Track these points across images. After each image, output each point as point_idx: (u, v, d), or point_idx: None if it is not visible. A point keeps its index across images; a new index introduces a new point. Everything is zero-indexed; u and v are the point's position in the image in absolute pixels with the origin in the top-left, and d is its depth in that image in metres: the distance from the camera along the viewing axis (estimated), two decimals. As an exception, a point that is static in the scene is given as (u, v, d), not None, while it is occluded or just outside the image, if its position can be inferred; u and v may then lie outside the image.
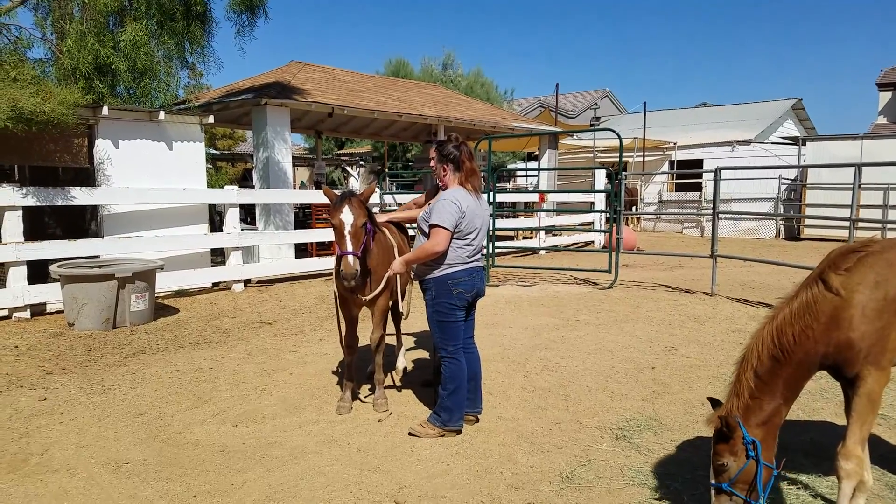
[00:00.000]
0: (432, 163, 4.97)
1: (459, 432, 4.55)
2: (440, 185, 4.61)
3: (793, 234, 21.39)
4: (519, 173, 25.60)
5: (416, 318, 6.80)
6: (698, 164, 24.01)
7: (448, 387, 4.48)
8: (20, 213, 8.23)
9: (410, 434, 4.53)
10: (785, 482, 3.70)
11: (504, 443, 4.43)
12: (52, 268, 7.95)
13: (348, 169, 24.57)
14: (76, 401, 5.30)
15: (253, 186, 13.36)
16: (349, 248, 4.45)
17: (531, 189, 20.91)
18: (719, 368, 6.13)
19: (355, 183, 23.89)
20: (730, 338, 7.36)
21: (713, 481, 3.10)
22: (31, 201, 8.27)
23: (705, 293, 10.10)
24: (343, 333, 5.13)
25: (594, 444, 4.39)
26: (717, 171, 10.35)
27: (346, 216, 4.46)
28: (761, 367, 3.10)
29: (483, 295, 4.70)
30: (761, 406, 3.07)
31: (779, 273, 11.82)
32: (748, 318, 8.33)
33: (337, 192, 4.82)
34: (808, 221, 20.18)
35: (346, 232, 4.45)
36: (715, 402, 3.23)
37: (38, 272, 8.54)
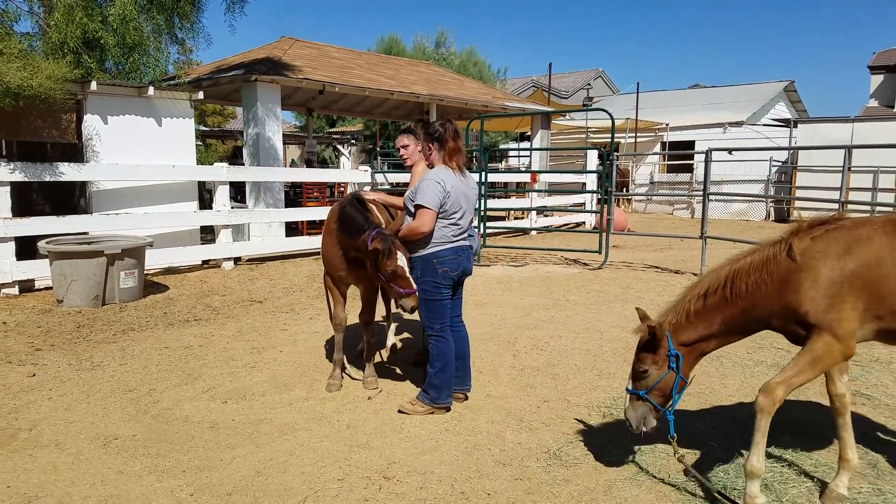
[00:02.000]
0: (401, 151, 5.19)
1: (448, 409, 4.58)
2: (427, 164, 4.60)
3: (782, 217, 21.50)
4: (511, 153, 25.54)
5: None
6: (690, 145, 24.03)
7: (436, 364, 4.51)
8: (7, 188, 8.15)
9: (400, 412, 4.56)
10: (770, 460, 3.75)
11: (493, 420, 4.46)
12: (41, 244, 7.89)
13: (339, 147, 24.41)
14: (65, 377, 5.30)
15: (243, 164, 13.28)
16: (414, 286, 4.39)
17: (523, 169, 20.87)
18: (707, 348, 6.18)
19: (346, 162, 23.74)
20: (718, 318, 7.41)
21: (630, 387, 3.42)
22: (18, 176, 8.19)
23: (694, 274, 10.15)
24: (332, 311, 5.15)
25: (582, 421, 4.43)
26: (708, 153, 10.37)
27: (402, 261, 4.35)
28: (709, 298, 3.31)
29: (469, 274, 4.72)
30: (695, 330, 3.33)
31: (768, 255, 11.91)
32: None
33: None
34: (797, 203, 20.26)
35: (407, 274, 4.38)
36: (644, 315, 3.41)
37: (27, 249, 8.49)
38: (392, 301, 5.72)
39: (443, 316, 4.55)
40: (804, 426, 4.31)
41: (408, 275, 4.36)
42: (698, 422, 4.42)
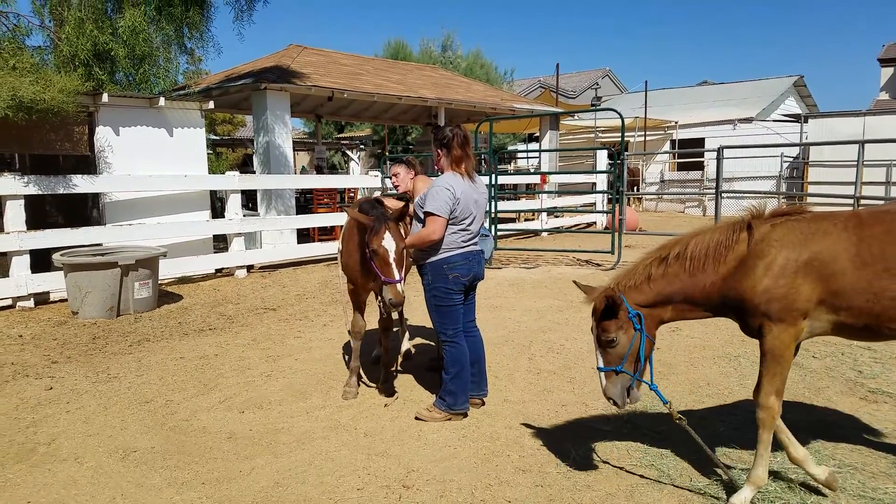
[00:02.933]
0: (393, 179, 5.37)
1: (465, 415, 4.56)
2: (437, 169, 4.61)
3: (795, 212, 21.29)
4: (520, 155, 25.49)
5: (420, 303, 6.79)
6: (700, 142, 23.90)
7: (451, 370, 4.49)
8: (22, 201, 8.21)
9: (417, 419, 4.54)
10: (780, 455, 3.69)
11: (511, 426, 4.44)
12: (55, 256, 7.94)
13: (349, 153, 24.46)
14: (82, 389, 5.32)
15: (254, 171, 13.32)
16: (396, 275, 4.26)
17: (533, 171, 20.83)
18: (724, 348, 6.13)
19: (356, 167, 23.79)
20: (734, 318, 7.35)
21: (601, 366, 3.36)
22: (32, 189, 8.24)
23: (709, 273, 10.07)
24: (351, 319, 5.15)
25: (600, 425, 4.39)
26: (719, 150, 10.31)
27: (389, 243, 4.26)
28: (669, 266, 3.35)
29: (481, 279, 4.70)
30: (652, 293, 3.35)
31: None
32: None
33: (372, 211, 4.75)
34: (810, 199, 20.09)
35: (391, 260, 4.24)
36: (587, 288, 3.53)
37: (41, 261, 8.54)
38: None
39: (455, 321, 4.53)
40: (825, 426, 4.26)
41: (391, 262, 4.25)
42: (719, 424, 4.37)
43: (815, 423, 4.30)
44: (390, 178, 5.51)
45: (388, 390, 5.07)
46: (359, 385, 5.16)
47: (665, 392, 4.94)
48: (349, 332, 5.28)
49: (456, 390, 4.49)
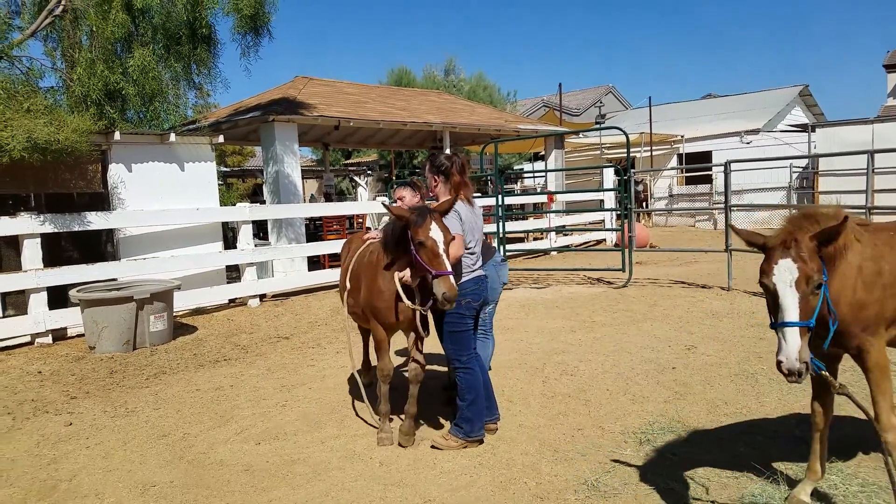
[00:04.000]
0: (398, 203, 5.14)
1: (482, 442, 4.57)
2: (431, 195, 4.68)
3: (806, 223, 21.18)
4: (526, 175, 25.58)
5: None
6: (707, 156, 23.90)
7: (466, 398, 4.51)
8: (38, 240, 8.34)
9: (433, 447, 4.54)
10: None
11: (527, 452, 4.43)
12: (72, 293, 8.04)
13: (356, 179, 24.67)
14: (101, 424, 5.36)
15: (264, 201, 13.46)
16: (448, 266, 4.04)
17: (539, 190, 20.88)
18: (740, 366, 6.10)
19: (363, 192, 23.95)
20: (749, 333, 7.32)
21: (793, 319, 2.72)
22: (48, 228, 8.38)
23: (722, 288, 10.06)
24: (379, 360, 4.75)
25: (618, 449, 4.38)
26: (727, 165, 10.31)
27: (437, 233, 4.06)
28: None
29: (489, 303, 4.75)
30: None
31: (794, 264, 11.70)
32: (767, 312, 8.26)
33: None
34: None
35: (440, 250, 4.04)
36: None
37: (58, 297, 8.65)
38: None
39: (468, 347, 4.56)
40: (851, 441, 4.22)
41: (441, 252, 4.04)
42: (739, 444, 4.34)
43: (842, 439, 4.27)
44: (395, 202, 5.40)
45: (409, 440, 4.65)
46: (392, 430, 4.78)
47: (682, 413, 4.95)
48: (356, 372, 5.20)
49: (472, 417, 4.50)
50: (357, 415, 5.32)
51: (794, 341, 2.68)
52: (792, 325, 2.70)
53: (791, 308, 2.72)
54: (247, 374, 6.75)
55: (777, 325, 2.77)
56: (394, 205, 4.78)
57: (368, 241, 5.12)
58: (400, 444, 4.60)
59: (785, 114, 26.25)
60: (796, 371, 2.65)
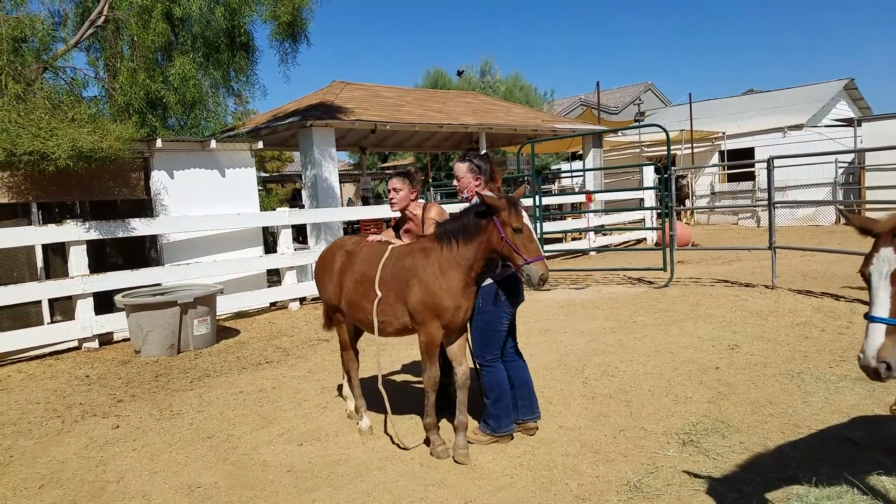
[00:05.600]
0: (391, 195, 4.97)
1: (512, 437, 4.59)
2: (468, 194, 4.67)
3: (854, 219, 20.58)
4: (564, 174, 25.40)
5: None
6: (749, 152, 23.40)
7: (491, 395, 4.53)
8: (84, 246, 8.57)
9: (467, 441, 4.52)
10: (854, 490, 3.55)
11: (567, 453, 4.38)
12: (118, 298, 8.24)
13: (394, 181, 24.81)
14: (147, 427, 5.47)
15: (303, 205, 13.63)
16: (541, 251, 4.14)
17: (577, 190, 20.71)
18: (785, 365, 5.94)
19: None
20: (794, 332, 7.14)
21: (884, 315, 2.53)
22: (94, 235, 8.60)
23: (766, 286, 9.82)
24: (430, 373, 4.47)
25: (660, 450, 4.31)
26: (769, 161, 10.07)
27: (528, 220, 4.12)
28: None
29: (523, 300, 4.71)
30: None
31: (841, 261, 11.37)
32: (812, 311, 8.06)
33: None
34: (869, 206, 19.43)
35: (535, 236, 4.14)
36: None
37: (104, 302, 8.87)
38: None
39: (498, 347, 4.56)
40: (862, 447, 4.07)
41: (535, 238, 4.10)
42: (785, 445, 4.23)
43: (888, 440, 4.13)
44: (388, 193, 5.05)
45: (464, 457, 4.36)
46: (444, 440, 4.56)
47: (726, 413, 4.84)
48: (382, 387, 4.71)
49: (499, 413, 4.51)
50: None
51: (876, 338, 2.50)
52: (878, 320, 2.52)
53: (882, 302, 2.54)
54: (288, 375, 6.83)
55: (866, 316, 2.60)
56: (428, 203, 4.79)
57: (367, 246, 4.88)
58: (458, 462, 4.32)
59: (830, 108, 25.54)
60: (872, 370, 2.49)
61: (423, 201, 5.13)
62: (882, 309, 2.53)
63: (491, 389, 4.52)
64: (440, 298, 4.26)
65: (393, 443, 4.75)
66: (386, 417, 4.87)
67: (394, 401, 4.99)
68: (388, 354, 7.11)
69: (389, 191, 4.99)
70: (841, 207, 2.61)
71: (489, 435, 4.53)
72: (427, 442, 4.58)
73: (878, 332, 2.50)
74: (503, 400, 4.51)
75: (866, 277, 2.64)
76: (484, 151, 4.94)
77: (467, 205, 4.53)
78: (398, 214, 5.19)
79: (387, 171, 26.60)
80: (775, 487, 3.60)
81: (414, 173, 5.12)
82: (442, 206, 5.27)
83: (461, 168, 4.70)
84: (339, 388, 5.92)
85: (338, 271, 4.90)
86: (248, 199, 10.79)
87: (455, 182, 4.80)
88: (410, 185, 4.98)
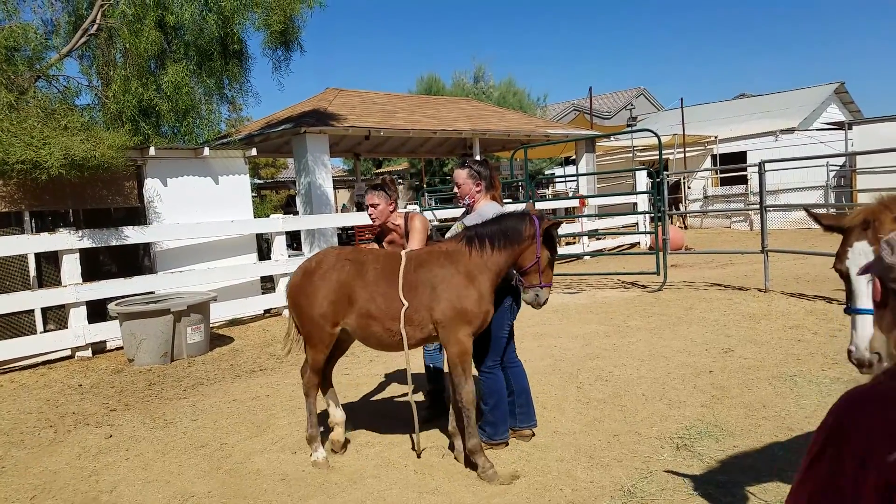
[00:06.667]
0: (370, 210, 4.86)
1: (507, 444, 4.58)
2: (469, 200, 4.68)
3: (846, 222, 20.68)
4: (557, 179, 25.47)
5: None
6: (741, 156, 23.49)
7: (489, 401, 4.53)
8: (77, 255, 8.53)
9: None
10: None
11: (562, 458, 4.39)
12: (111, 306, 8.21)
13: (388, 187, 24.82)
14: (140, 436, 5.45)
15: (297, 211, 13.64)
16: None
17: (571, 195, 20.75)
18: (778, 368, 5.97)
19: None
20: (787, 335, 7.17)
21: (866, 306, 2.48)
22: (87, 243, 8.57)
23: (759, 290, 9.86)
24: (465, 389, 4.20)
25: (654, 454, 4.32)
26: (760, 165, 10.12)
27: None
28: None
29: (520, 307, 4.75)
30: None
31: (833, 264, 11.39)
32: (805, 314, 8.09)
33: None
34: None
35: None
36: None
37: (97, 311, 8.83)
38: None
39: (499, 353, 4.58)
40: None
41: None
42: (777, 447, 4.25)
43: None
44: (367, 209, 4.92)
45: (491, 476, 4.15)
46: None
47: (720, 417, 4.86)
48: (413, 402, 4.49)
49: (496, 420, 4.52)
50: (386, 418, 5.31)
51: (866, 329, 2.48)
52: (864, 311, 2.49)
53: (866, 293, 2.50)
54: (282, 383, 6.81)
55: (849, 310, 2.59)
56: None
57: (373, 254, 4.61)
58: (480, 476, 4.16)
59: (821, 112, 25.70)
60: (866, 361, 2.45)
61: (402, 211, 5.11)
62: (867, 300, 2.49)
63: (489, 396, 4.52)
64: (473, 304, 4.11)
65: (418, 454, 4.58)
66: (413, 435, 4.62)
67: (376, 419, 4.98)
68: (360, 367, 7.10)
69: (367, 206, 4.87)
70: (814, 212, 2.61)
71: (485, 442, 4.53)
72: (473, 466, 4.22)
73: (867, 323, 2.49)
74: (500, 407, 4.52)
75: (843, 274, 2.64)
76: (483, 158, 4.98)
77: (476, 213, 4.59)
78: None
79: (381, 177, 26.65)
80: (770, 490, 3.61)
81: (389, 182, 4.97)
82: (424, 213, 5.29)
83: (461, 174, 4.70)
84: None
85: (341, 284, 4.34)
86: (241, 205, 10.79)
87: (455, 189, 4.81)
88: (388, 198, 4.85)
